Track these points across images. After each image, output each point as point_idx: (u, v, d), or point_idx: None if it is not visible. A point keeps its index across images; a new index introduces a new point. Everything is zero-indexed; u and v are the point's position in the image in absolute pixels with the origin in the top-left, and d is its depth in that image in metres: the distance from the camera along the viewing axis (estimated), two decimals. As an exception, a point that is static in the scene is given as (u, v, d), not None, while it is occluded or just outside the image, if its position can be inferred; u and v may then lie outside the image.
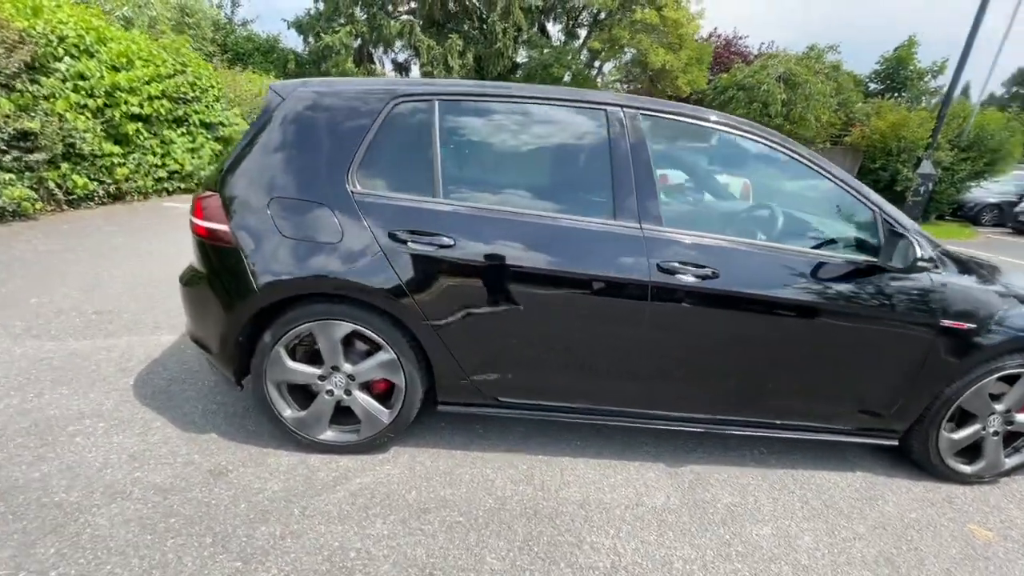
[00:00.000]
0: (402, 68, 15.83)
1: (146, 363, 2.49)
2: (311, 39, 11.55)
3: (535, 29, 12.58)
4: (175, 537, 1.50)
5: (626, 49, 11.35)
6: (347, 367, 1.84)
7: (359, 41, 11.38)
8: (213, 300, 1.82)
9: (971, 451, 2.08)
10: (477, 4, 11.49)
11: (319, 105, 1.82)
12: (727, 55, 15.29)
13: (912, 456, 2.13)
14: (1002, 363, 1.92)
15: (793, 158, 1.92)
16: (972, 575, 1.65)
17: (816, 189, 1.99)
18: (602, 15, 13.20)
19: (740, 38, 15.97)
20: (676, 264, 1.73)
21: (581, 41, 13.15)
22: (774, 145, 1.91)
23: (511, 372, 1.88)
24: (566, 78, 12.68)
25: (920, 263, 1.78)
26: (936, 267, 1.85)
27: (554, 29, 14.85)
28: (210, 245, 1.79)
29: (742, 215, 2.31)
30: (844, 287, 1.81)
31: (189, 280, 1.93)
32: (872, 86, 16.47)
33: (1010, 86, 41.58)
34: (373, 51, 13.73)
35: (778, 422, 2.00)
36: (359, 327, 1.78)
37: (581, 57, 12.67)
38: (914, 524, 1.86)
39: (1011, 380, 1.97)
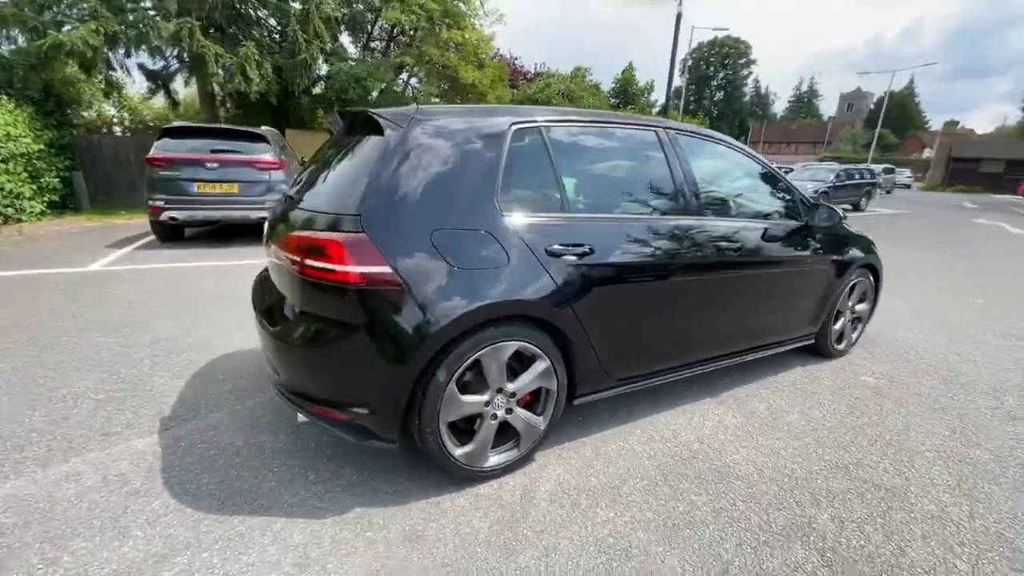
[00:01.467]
0: (158, 79, 12.79)
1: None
2: (22, 35, 8.33)
3: (339, 41, 11.96)
4: (458, 599, 1.40)
5: (436, 65, 11.88)
6: (509, 387, 1.89)
7: (105, 42, 8.77)
8: (373, 352, 1.63)
9: (840, 337, 3.36)
10: (267, 11, 10.29)
11: (445, 133, 1.80)
12: (512, 74, 17.51)
13: (818, 348, 3.28)
14: (853, 278, 3.19)
15: (751, 157, 2.78)
16: (875, 399, 2.77)
17: (769, 180, 2.90)
18: (398, 31, 13.44)
19: (515, 58, 18.54)
20: (725, 244, 2.37)
21: (385, 55, 13.08)
22: (738, 148, 2.73)
23: (630, 352, 2.22)
24: (373, 93, 12.51)
25: (832, 221, 2.84)
26: (838, 223, 2.95)
27: (346, 40, 14.36)
28: (366, 291, 1.60)
29: (748, 205, 3.03)
30: (794, 240, 2.75)
31: (310, 337, 1.66)
32: (613, 100, 21.13)
33: (674, 99, 59.09)
34: (116, 56, 10.74)
35: (771, 341, 2.87)
36: (524, 343, 1.86)
37: (398, 73, 12.66)
38: (840, 383, 2.96)
39: (853, 288, 3.27)
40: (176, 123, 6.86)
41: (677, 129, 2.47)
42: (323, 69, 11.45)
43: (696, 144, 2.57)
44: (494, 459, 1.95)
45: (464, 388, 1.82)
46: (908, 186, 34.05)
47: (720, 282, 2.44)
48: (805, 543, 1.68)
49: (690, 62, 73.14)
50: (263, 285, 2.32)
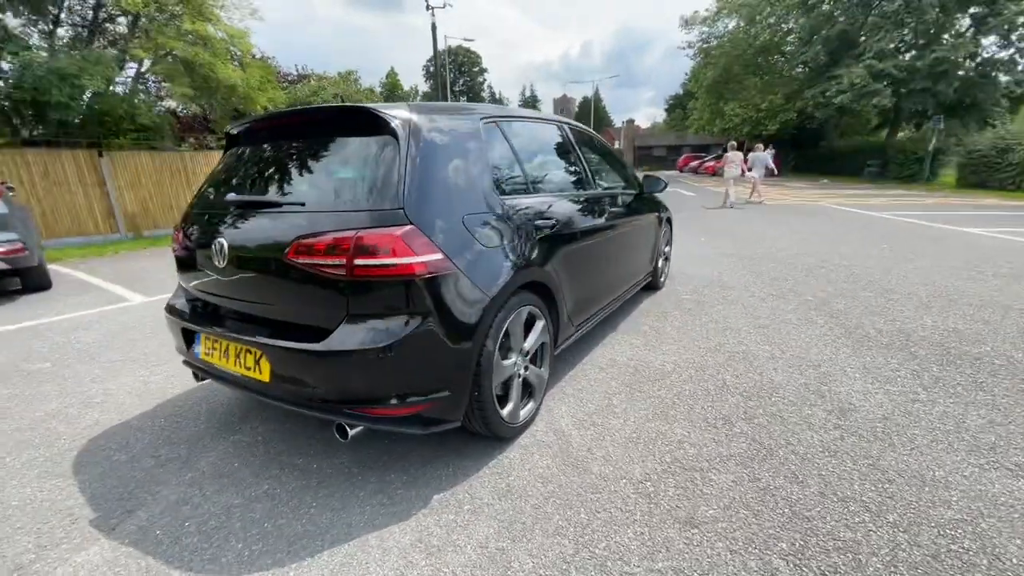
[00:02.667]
0: None
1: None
2: None
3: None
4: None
5: (180, 61, 9.64)
6: (524, 347, 2.19)
7: None
8: (444, 335, 1.71)
9: (660, 273, 4.63)
10: None
11: (442, 129, 1.93)
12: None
13: (652, 284, 4.44)
14: (665, 228, 4.45)
15: (611, 148, 3.62)
16: (697, 307, 4.04)
17: (618, 161, 3.78)
18: (104, 17, 10.41)
19: (269, 57, 16.49)
20: (616, 208, 3.12)
21: (88, 45, 9.85)
22: (604, 142, 3.53)
23: (582, 301, 2.73)
24: (86, 95, 9.48)
25: (659, 189, 3.92)
26: (662, 189, 4.05)
27: (13, 23, 10.34)
28: (427, 279, 1.66)
29: (614, 179, 3.71)
30: (634, 204, 3.72)
31: (371, 339, 1.62)
32: (378, 99, 21.16)
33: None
34: None
35: (638, 280, 3.82)
36: (532, 308, 2.18)
37: (121, 68, 9.59)
38: (673, 304, 4.15)
39: (665, 235, 4.56)
40: None
41: (568, 124, 3.08)
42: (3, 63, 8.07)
43: (581, 135, 3.24)
44: (522, 413, 2.21)
45: (501, 355, 2.03)
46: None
47: (617, 236, 3.19)
48: (723, 390, 2.53)
49: (431, 68, 77.65)
50: (213, 312, 1.97)
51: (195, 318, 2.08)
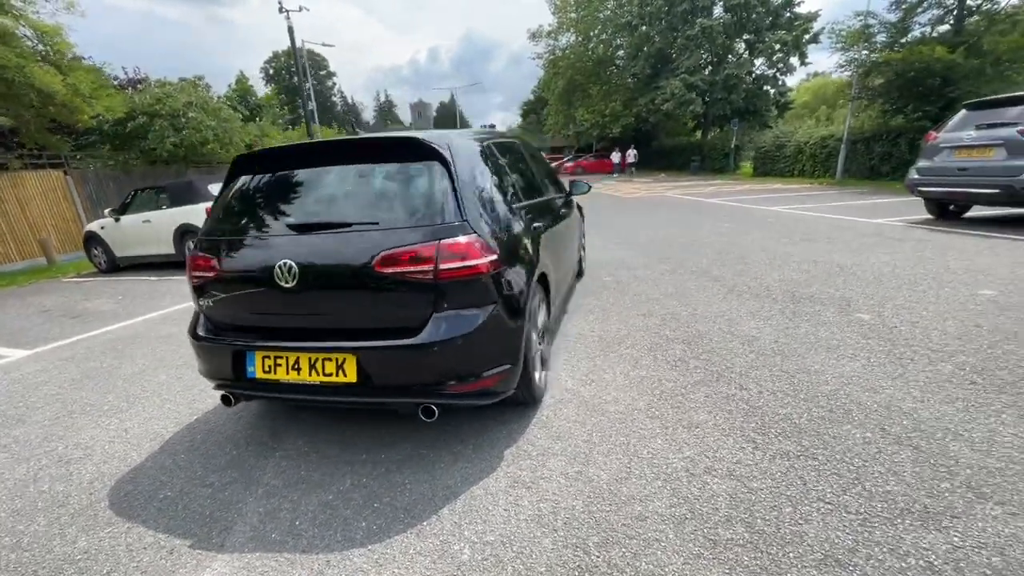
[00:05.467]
0: None
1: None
2: None
3: None
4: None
5: None
6: (539, 326, 2.68)
7: None
8: (506, 318, 2.13)
9: (582, 260, 5.43)
10: None
11: (470, 153, 2.33)
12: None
13: (580, 272, 5.22)
14: (584, 224, 5.25)
15: (540, 156, 4.24)
16: (617, 287, 4.94)
17: (550, 171, 4.40)
18: None
19: (82, 57, 13.51)
20: (558, 208, 3.76)
21: None
22: (542, 156, 4.13)
23: (557, 286, 3.29)
24: None
25: (583, 191, 4.65)
26: (586, 191, 4.77)
27: None
28: (492, 275, 2.06)
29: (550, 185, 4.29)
30: (567, 204, 4.41)
31: (475, 321, 2.00)
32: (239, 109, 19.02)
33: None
34: None
35: (576, 270, 4.52)
36: (539, 296, 2.68)
37: None
38: (598, 286, 4.98)
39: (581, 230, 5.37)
40: None
41: (519, 140, 3.61)
42: None
43: (529, 149, 3.79)
44: (542, 380, 2.70)
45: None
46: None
47: (565, 232, 3.82)
48: (669, 342, 3.35)
49: (271, 70, 70.93)
50: (275, 329, 2.11)
51: (246, 338, 2.14)
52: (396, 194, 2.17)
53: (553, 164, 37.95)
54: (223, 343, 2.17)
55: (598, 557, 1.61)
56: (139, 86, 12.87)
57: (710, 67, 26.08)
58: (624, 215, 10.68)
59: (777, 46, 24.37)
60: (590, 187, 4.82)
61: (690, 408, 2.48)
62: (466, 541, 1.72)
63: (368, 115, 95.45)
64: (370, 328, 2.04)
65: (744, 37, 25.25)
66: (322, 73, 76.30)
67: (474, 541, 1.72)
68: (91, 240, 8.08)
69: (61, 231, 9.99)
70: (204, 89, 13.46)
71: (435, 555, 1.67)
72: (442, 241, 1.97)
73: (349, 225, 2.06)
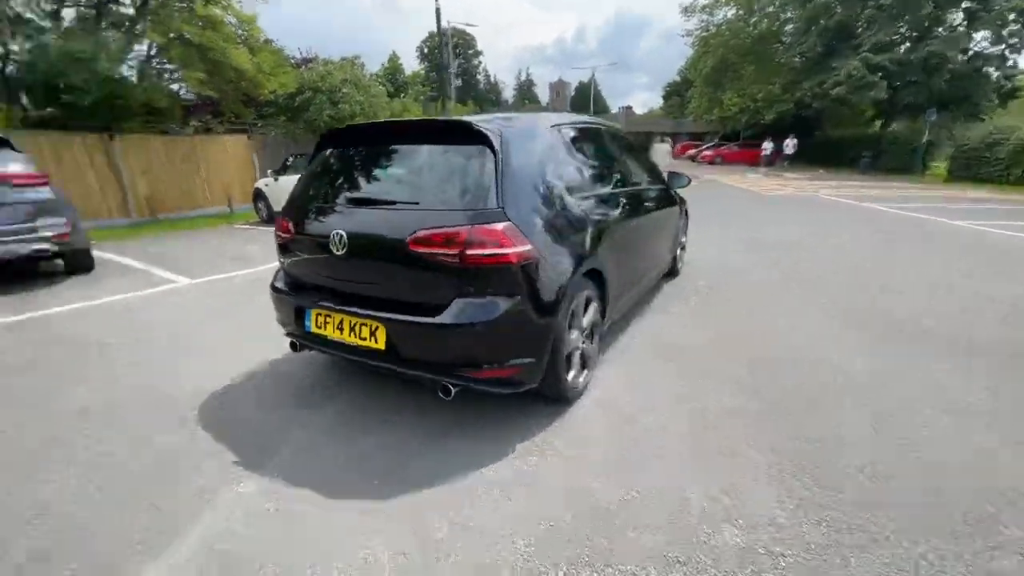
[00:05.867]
0: None
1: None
2: None
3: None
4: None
5: (194, 46, 9.67)
6: (583, 324, 2.56)
7: None
8: (532, 311, 2.08)
9: (678, 260, 5.00)
10: None
11: (525, 139, 2.28)
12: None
13: (671, 271, 4.82)
14: (684, 220, 4.82)
15: (632, 144, 3.96)
16: (709, 292, 4.45)
17: (647, 160, 4.12)
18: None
19: (270, 40, 16.34)
20: (646, 202, 3.48)
21: (97, 27, 9.83)
22: (625, 136, 3.88)
23: (620, 284, 3.08)
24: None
25: (683, 185, 4.27)
26: (686, 184, 4.38)
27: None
28: (522, 265, 2.02)
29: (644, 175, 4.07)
30: (661, 198, 4.06)
31: (476, 313, 1.99)
32: (387, 85, 21.08)
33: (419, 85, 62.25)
34: None
35: (662, 269, 4.19)
36: (589, 292, 2.55)
37: (125, 52, 9.61)
38: (693, 288, 4.55)
39: (684, 226, 4.93)
40: None
41: (605, 125, 3.41)
42: (12, 44, 8.09)
43: (616, 136, 3.57)
44: (580, 380, 2.60)
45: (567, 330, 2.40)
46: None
47: (646, 228, 3.54)
48: (740, 358, 2.95)
49: (425, 50, 76.38)
50: (327, 291, 2.34)
51: (306, 296, 2.43)
52: (441, 176, 2.22)
53: (689, 151, 35.42)
54: (291, 297, 2.48)
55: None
56: (309, 65, 14.94)
57: (906, 44, 21.43)
58: (757, 214, 9.52)
59: (1012, 15, 19.06)
60: (690, 180, 4.39)
61: (734, 441, 2.18)
62: (447, 521, 1.77)
63: (508, 93, 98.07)
64: (401, 301, 2.15)
65: (963, 5, 20.18)
66: (469, 52, 79.97)
67: (454, 523, 1.76)
68: (257, 195, 9.74)
69: (241, 186, 12.20)
70: (359, 67, 15.13)
71: (415, 527, 1.74)
72: (473, 227, 1.97)
73: (393, 203, 2.18)
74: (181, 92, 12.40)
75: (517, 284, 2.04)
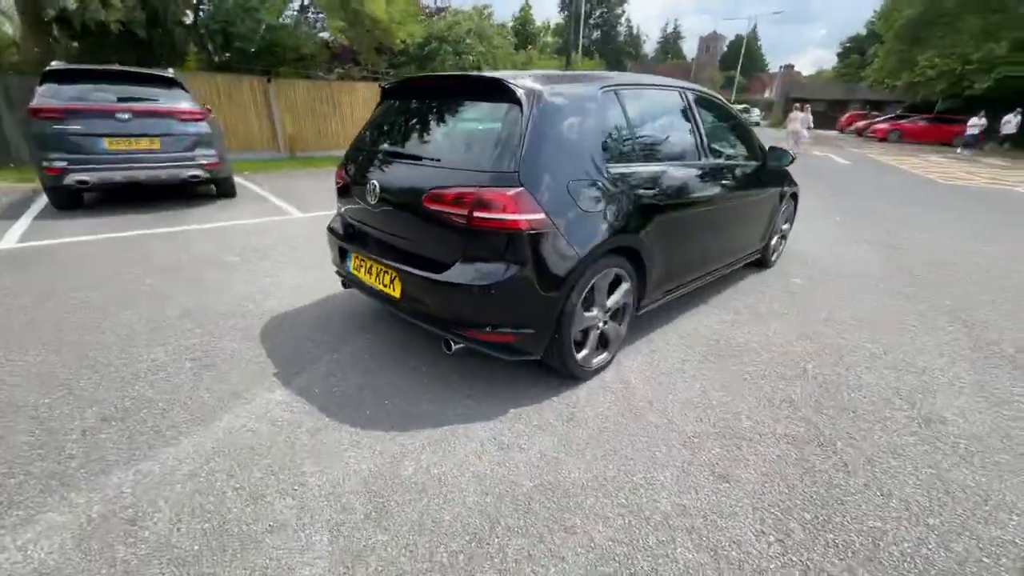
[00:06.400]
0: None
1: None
2: None
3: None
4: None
5: None
6: (607, 303, 2.43)
7: None
8: (536, 283, 2.04)
9: (773, 251, 4.40)
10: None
11: (565, 98, 2.15)
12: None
13: (762, 261, 4.28)
14: (785, 204, 4.18)
15: (729, 109, 3.48)
16: (806, 290, 3.85)
17: (743, 131, 3.63)
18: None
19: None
20: (725, 181, 3.07)
21: None
22: (722, 102, 3.41)
23: (673, 269, 2.85)
24: (261, 27, 10.94)
25: (784, 162, 3.69)
26: (789, 162, 3.81)
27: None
28: (529, 234, 1.97)
29: (733, 150, 3.61)
30: (751, 177, 3.54)
31: (478, 276, 2.01)
32: (512, 39, 20.91)
33: (554, 37, 59.63)
34: None
35: (741, 256, 3.74)
36: (619, 270, 2.39)
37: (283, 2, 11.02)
38: (782, 285, 3.99)
39: (783, 212, 4.28)
40: (55, 64, 5.63)
41: (692, 90, 3.04)
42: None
43: (704, 102, 3.17)
44: (595, 360, 2.51)
45: (584, 307, 2.32)
46: (758, 124, 39.40)
47: (721, 211, 3.15)
48: (800, 377, 2.56)
49: (569, -2, 73.10)
50: (362, 236, 2.52)
51: (348, 240, 2.65)
52: (468, 134, 2.21)
53: (856, 123, 29.64)
54: (338, 239, 2.72)
55: (498, 538, 1.58)
56: (442, 14, 15.32)
57: None
58: (909, 208, 7.85)
59: None
60: (793, 158, 3.75)
61: (742, 459, 1.96)
62: (417, 464, 1.90)
63: (650, 47, 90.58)
64: (415, 255, 2.24)
65: None
66: (612, 1, 74.70)
67: (422, 466, 1.88)
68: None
69: (370, 131, 13.29)
70: (487, 18, 15.12)
71: (388, 463, 1.90)
72: (483, 189, 1.95)
73: (419, 159, 2.23)
74: (330, 41, 13.64)
75: (523, 253, 1.99)
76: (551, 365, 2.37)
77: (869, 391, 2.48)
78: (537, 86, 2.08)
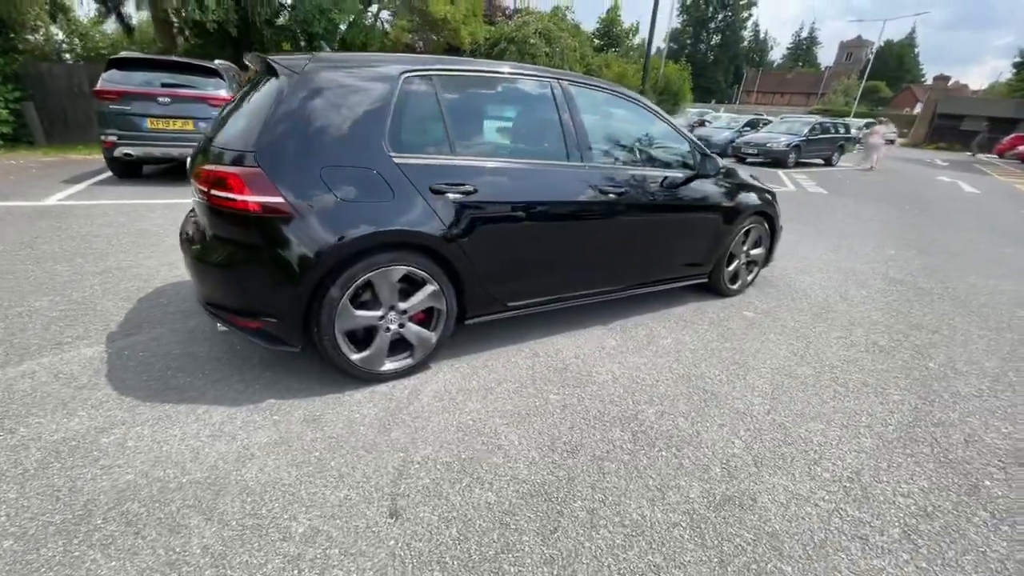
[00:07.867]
0: (107, 1, 12.06)
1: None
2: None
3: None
4: (339, 459, 1.83)
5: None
6: (401, 305, 2.24)
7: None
8: (270, 272, 1.95)
9: (734, 277, 3.75)
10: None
11: (338, 79, 2.03)
12: (490, 9, 16.72)
13: (712, 286, 3.68)
14: (747, 224, 3.54)
15: (648, 109, 3.03)
16: (745, 329, 3.21)
17: (663, 133, 3.16)
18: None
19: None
20: (608, 188, 2.67)
21: None
22: (635, 100, 2.98)
23: (518, 282, 2.57)
24: (341, 26, 11.95)
25: (719, 171, 3.14)
26: (724, 174, 3.25)
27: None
28: (262, 219, 1.89)
29: (638, 155, 3.20)
30: (680, 187, 3.04)
31: (222, 257, 1.96)
32: (596, 41, 20.42)
33: (669, 42, 56.76)
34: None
35: (657, 279, 3.25)
36: (411, 268, 2.19)
37: (359, 3, 12.01)
38: (722, 316, 3.39)
39: (748, 233, 3.63)
40: (123, 54, 6.66)
41: (572, 81, 2.69)
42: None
43: (591, 95, 2.80)
44: (390, 365, 2.33)
45: (360, 304, 2.16)
46: (891, 141, 34.01)
47: (604, 224, 2.75)
48: (624, 428, 2.13)
49: (688, 1, 69.47)
50: (189, 216, 2.59)
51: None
52: (240, 113, 2.15)
53: (1020, 147, 24.17)
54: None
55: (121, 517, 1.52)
56: (519, 14, 15.41)
57: None
58: (987, 220, 6.24)
59: None
60: (721, 166, 3.16)
61: (447, 497, 1.68)
62: (124, 434, 1.91)
63: (777, 53, 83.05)
64: (195, 236, 2.27)
65: None
66: (741, 3, 69.68)
67: (121, 437, 1.88)
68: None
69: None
70: (560, 19, 14.88)
71: (95, 428, 1.94)
72: (220, 167, 1.91)
73: (212, 138, 2.23)
74: (413, 39, 14.40)
75: (255, 236, 1.91)
76: (328, 360, 2.23)
77: (691, 451, 2.00)
78: (305, 65, 1.98)
